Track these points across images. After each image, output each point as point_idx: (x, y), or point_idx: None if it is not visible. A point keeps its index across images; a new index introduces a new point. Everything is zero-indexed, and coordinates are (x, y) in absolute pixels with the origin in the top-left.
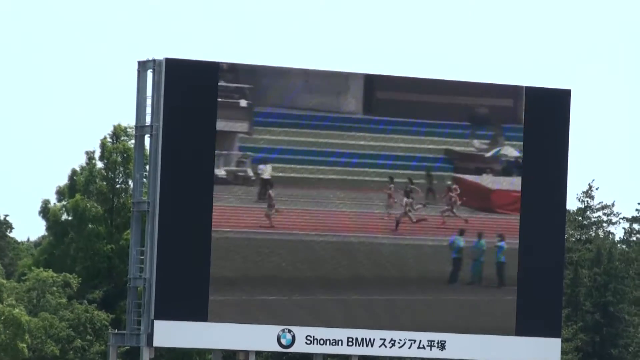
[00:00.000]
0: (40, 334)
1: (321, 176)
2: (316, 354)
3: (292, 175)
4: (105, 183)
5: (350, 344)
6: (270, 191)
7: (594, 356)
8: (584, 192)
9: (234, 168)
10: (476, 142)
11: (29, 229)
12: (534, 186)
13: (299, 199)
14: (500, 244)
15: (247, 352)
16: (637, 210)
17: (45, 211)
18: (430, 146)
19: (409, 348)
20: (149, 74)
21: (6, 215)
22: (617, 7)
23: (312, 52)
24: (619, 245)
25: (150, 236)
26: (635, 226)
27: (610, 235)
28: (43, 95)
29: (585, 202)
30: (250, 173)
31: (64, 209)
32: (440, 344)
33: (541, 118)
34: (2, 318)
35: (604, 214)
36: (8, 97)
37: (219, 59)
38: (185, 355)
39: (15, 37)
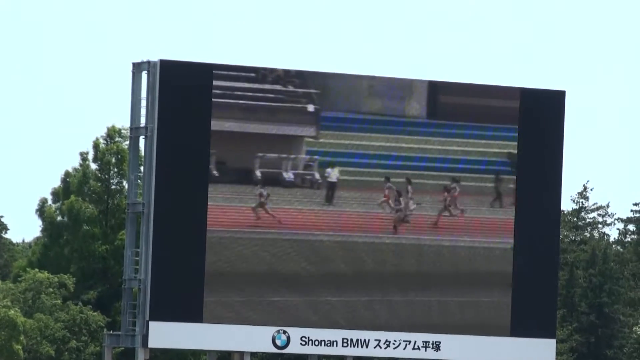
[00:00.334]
0: (36, 335)
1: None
2: (311, 355)
3: (358, 178)
4: (99, 184)
5: (345, 344)
6: (336, 193)
7: (589, 357)
8: (578, 193)
9: (301, 171)
10: None
11: (24, 230)
12: (529, 187)
13: (366, 202)
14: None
15: (242, 353)
16: (632, 211)
17: (43, 210)
18: (495, 150)
19: (404, 349)
20: (144, 75)
21: (1, 217)
22: (612, 8)
23: (308, 52)
24: (613, 246)
25: (145, 237)
26: (630, 227)
27: (605, 237)
28: (37, 97)
29: (580, 203)
30: (317, 176)
31: (59, 210)
32: (435, 345)
33: (536, 119)
34: None
35: (599, 215)
36: (2, 98)
37: (213, 61)
38: (180, 356)
39: (10, 39)
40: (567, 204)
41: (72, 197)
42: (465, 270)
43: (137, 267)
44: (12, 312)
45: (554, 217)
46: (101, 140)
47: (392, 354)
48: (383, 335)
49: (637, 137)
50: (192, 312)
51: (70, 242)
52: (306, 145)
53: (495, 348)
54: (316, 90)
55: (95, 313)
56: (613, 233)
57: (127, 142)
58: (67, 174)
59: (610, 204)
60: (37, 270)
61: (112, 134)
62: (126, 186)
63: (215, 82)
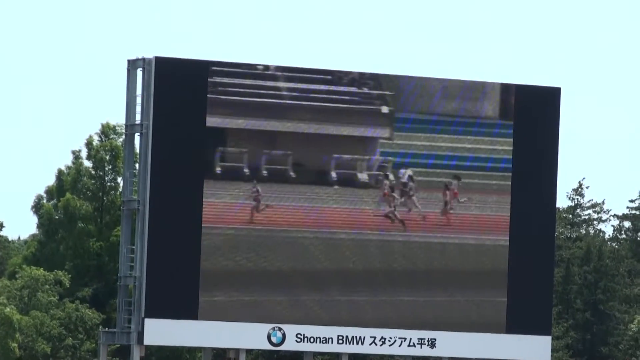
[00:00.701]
0: (32, 333)
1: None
2: (306, 352)
3: (430, 179)
4: (93, 181)
5: (340, 342)
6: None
7: (585, 354)
8: (574, 189)
9: (375, 172)
10: None
11: (20, 227)
12: (524, 184)
13: (438, 202)
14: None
15: (237, 350)
16: (627, 207)
17: (38, 207)
18: None
19: (399, 346)
20: (139, 72)
21: None
22: (607, 5)
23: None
24: (609, 243)
25: (140, 234)
26: (626, 224)
27: (601, 233)
28: (32, 95)
29: (576, 200)
30: (391, 177)
31: (55, 208)
32: (430, 342)
33: (531, 116)
34: None
35: (594, 212)
36: None
37: (209, 58)
38: (175, 354)
39: (4, 37)
40: (562, 201)
41: (68, 195)
42: (461, 267)
43: (133, 264)
44: (8, 309)
45: (549, 214)
46: (95, 138)
47: (388, 351)
48: (378, 333)
49: (632, 134)
50: (187, 309)
51: (65, 239)
52: (380, 147)
53: (491, 345)
54: (390, 92)
55: (90, 310)
56: (608, 230)
57: (122, 139)
58: (60, 172)
59: (605, 201)
60: (33, 267)
61: (107, 131)
62: (121, 183)
63: (219, 79)
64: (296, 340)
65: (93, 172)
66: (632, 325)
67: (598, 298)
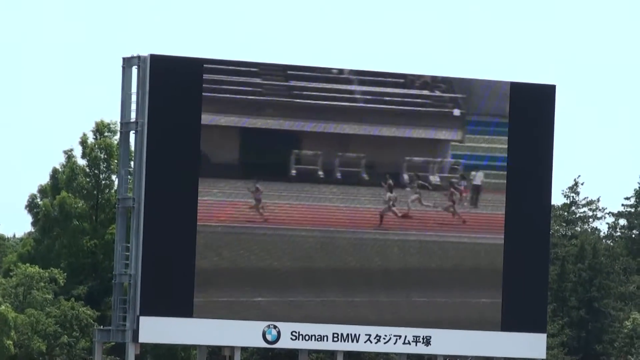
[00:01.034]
0: (27, 331)
1: None
2: (301, 350)
3: (502, 181)
4: (88, 179)
5: (335, 339)
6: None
7: (580, 351)
8: (569, 187)
9: (447, 175)
10: None
11: (15, 225)
12: (519, 181)
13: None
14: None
15: (232, 348)
16: (622, 205)
17: (32, 206)
18: None
19: (394, 344)
20: (134, 70)
21: None
22: (603, 3)
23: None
24: (604, 240)
25: (135, 232)
26: (621, 221)
27: (596, 231)
28: (25, 93)
29: (571, 198)
30: (462, 180)
31: (51, 205)
32: (425, 340)
33: (526, 113)
34: None
35: (590, 209)
36: None
37: (203, 55)
38: (170, 351)
39: None
40: (558, 198)
41: (63, 193)
42: (457, 265)
43: (128, 262)
44: (3, 307)
45: (544, 211)
46: (89, 136)
47: (383, 348)
48: (373, 330)
49: (628, 132)
50: (182, 307)
51: (60, 237)
52: (452, 149)
53: (486, 343)
54: (462, 95)
55: (85, 308)
56: (603, 227)
57: (116, 137)
58: (55, 170)
59: (601, 199)
60: (28, 265)
61: (101, 128)
62: (116, 181)
63: (217, 77)
64: (291, 338)
65: (88, 170)
66: (627, 323)
67: (593, 296)
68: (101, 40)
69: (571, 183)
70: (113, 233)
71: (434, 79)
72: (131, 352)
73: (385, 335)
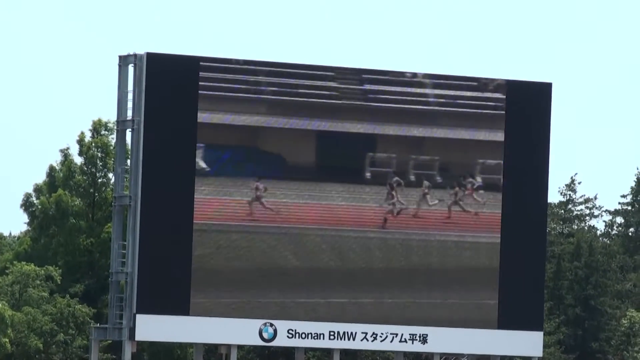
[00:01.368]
0: (24, 329)
1: None
2: (298, 348)
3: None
4: (84, 177)
5: (332, 337)
6: None
7: (576, 349)
8: (566, 185)
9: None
10: None
11: (11, 223)
12: (516, 180)
13: None
14: None
15: (228, 346)
16: (619, 203)
17: (28, 205)
18: None
19: (391, 342)
20: (130, 68)
21: None
22: (599, 0)
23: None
24: (601, 238)
25: (132, 230)
26: (618, 219)
27: (593, 229)
28: (22, 91)
29: (568, 196)
30: None
31: (48, 203)
32: (422, 338)
33: (522, 111)
34: None
35: (587, 207)
36: None
37: (200, 53)
38: (166, 349)
39: None
40: (554, 196)
41: (60, 191)
42: (454, 263)
43: (124, 260)
44: (0, 305)
45: (540, 209)
46: (87, 134)
47: (379, 346)
48: (370, 328)
49: (624, 130)
50: (179, 305)
51: (57, 235)
52: None
53: (483, 341)
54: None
55: (82, 306)
56: (600, 225)
57: (113, 136)
58: (51, 168)
59: (597, 197)
60: (24, 262)
61: (98, 127)
62: (112, 179)
63: (210, 74)
64: (288, 336)
65: (85, 168)
66: (624, 321)
67: (589, 293)
68: (98, 39)
69: (568, 181)
70: (109, 232)
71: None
72: (127, 350)
73: (382, 333)
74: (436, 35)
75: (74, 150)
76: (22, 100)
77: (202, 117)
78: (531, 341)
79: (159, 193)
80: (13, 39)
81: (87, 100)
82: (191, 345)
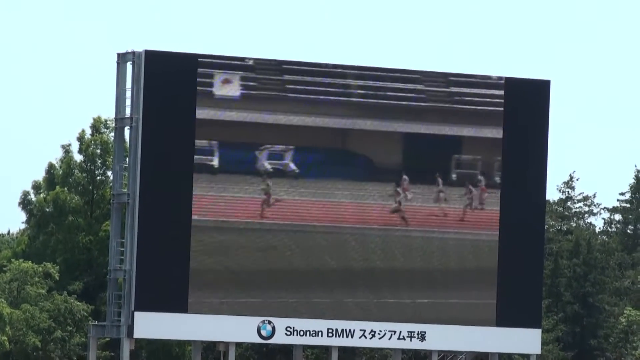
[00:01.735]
0: (22, 326)
1: None
2: (296, 346)
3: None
4: (83, 175)
5: (330, 335)
6: None
7: (574, 347)
8: (564, 182)
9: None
10: None
11: (9, 221)
12: (514, 177)
13: None
14: None
15: (227, 344)
16: (618, 200)
17: (26, 203)
18: None
19: (389, 339)
20: (129, 66)
21: None
22: None
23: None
24: (599, 236)
25: (130, 228)
26: (616, 217)
27: (591, 227)
28: (20, 89)
29: (566, 193)
30: None
31: (45, 200)
32: (420, 335)
33: (521, 109)
34: None
35: (585, 204)
36: None
37: (197, 51)
38: (165, 347)
39: None
40: (553, 194)
41: (58, 188)
42: (451, 262)
43: (122, 257)
44: None
45: (539, 207)
46: (87, 132)
47: (378, 344)
48: (368, 326)
49: (623, 127)
50: (177, 303)
51: (55, 232)
52: None
53: (481, 338)
54: None
55: (79, 302)
56: (598, 223)
57: (113, 133)
58: (51, 165)
59: (596, 194)
60: (21, 260)
61: (98, 125)
62: (111, 177)
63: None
64: (286, 334)
65: (84, 165)
66: (622, 319)
67: (587, 291)
68: (96, 36)
69: (566, 178)
70: (108, 229)
71: None
72: (126, 348)
73: (380, 331)
74: (436, 36)
75: (74, 147)
76: (20, 98)
77: (200, 113)
78: (529, 338)
79: (157, 190)
80: (12, 37)
81: (85, 98)
82: (189, 342)
